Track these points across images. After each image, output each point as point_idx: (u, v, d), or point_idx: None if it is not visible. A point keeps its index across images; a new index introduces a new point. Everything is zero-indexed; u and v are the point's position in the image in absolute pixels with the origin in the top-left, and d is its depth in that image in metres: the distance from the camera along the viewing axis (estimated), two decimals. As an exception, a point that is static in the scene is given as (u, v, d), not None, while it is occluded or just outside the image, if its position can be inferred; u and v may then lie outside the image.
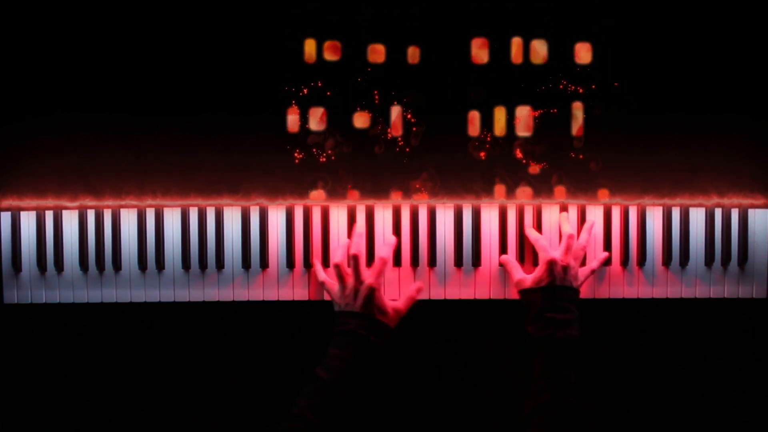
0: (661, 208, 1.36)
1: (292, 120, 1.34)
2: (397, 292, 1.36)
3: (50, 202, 1.35)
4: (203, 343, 1.41)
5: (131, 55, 1.34)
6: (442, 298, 1.36)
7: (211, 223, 1.35)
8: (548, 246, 1.32)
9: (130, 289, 1.35)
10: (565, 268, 1.29)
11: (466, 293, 1.36)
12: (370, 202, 1.35)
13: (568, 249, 1.30)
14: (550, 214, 1.36)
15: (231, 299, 1.36)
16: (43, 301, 1.35)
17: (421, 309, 1.33)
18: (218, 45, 1.34)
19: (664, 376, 1.43)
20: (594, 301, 1.37)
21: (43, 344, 1.40)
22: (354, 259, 1.28)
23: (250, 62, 1.34)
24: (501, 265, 1.36)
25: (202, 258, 1.35)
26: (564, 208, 1.36)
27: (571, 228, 1.34)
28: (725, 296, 1.37)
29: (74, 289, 1.35)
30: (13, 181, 1.34)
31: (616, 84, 1.35)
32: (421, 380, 1.43)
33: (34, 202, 1.35)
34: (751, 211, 1.37)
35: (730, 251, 1.36)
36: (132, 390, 1.42)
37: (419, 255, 1.35)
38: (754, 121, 1.36)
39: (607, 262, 1.36)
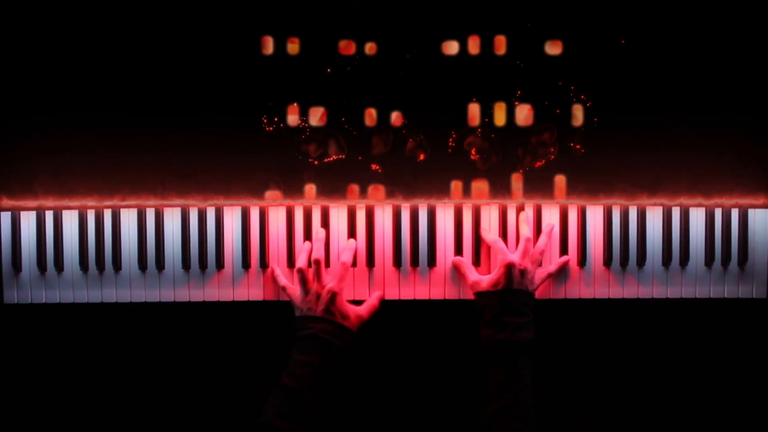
0: (661, 208, 1.36)
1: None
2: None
3: (50, 202, 1.35)
4: (203, 343, 1.41)
5: (129, 56, 1.34)
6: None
7: (211, 223, 1.35)
8: (506, 249, 1.31)
9: (130, 289, 1.35)
10: (523, 272, 1.28)
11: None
12: (333, 202, 1.35)
13: (525, 252, 1.30)
14: (550, 214, 1.36)
15: (231, 299, 1.36)
16: (43, 301, 1.35)
17: (388, 310, 1.34)
18: (213, 45, 1.34)
19: (664, 376, 1.43)
20: (594, 301, 1.37)
21: (43, 344, 1.40)
22: (315, 264, 1.29)
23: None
24: (454, 266, 1.35)
25: (202, 258, 1.35)
26: (521, 208, 1.35)
27: (529, 231, 1.33)
28: (725, 296, 1.37)
29: (74, 289, 1.35)
30: (14, 181, 1.34)
31: (616, 83, 1.35)
32: (402, 381, 1.43)
33: (34, 202, 1.35)
34: (751, 211, 1.37)
35: (730, 251, 1.36)
36: (132, 390, 1.42)
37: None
38: (754, 121, 1.36)
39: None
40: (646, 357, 1.43)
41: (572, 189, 1.36)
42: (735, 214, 1.36)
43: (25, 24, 1.33)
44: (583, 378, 1.43)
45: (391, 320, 1.40)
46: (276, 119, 1.35)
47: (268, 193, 1.35)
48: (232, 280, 1.36)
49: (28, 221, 1.35)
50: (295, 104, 1.34)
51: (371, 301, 1.33)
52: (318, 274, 1.29)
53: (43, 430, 1.42)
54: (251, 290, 1.36)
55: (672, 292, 1.37)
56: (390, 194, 1.35)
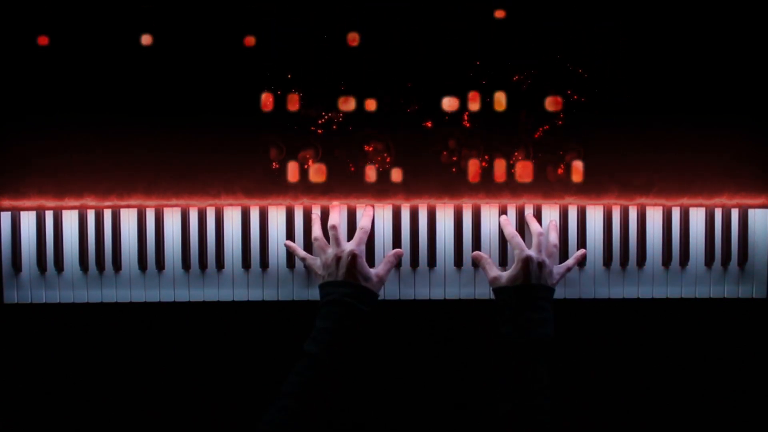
0: (661, 208, 1.36)
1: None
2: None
3: (50, 202, 1.35)
4: (203, 343, 1.41)
5: (129, 56, 1.34)
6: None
7: (211, 223, 1.35)
8: (524, 244, 1.31)
9: (130, 289, 1.35)
10: (541, 266, 1.28)
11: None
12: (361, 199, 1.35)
13: (540, 246, 1.30)
14: (550, 214, 1.36)
15: (231, 299, 1.36)
16: (43, 301, 1.35)
17: (388, 310, 1.35)
18: (213, 46, 1.34)
19: (664, 377, 1.43)
20: (594, 301, 1.37)
21: (43, 344, 1.40)
22: (332, 230, 1.30)
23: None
24: (474, 261, 1.35)
25: (202, 258, 1.35)
26: (504, 209, 1.35)
27: (538, 226, 1.33)
28: (725, 296, 1.37)
29: (74, 289, 1.35)
30: (13, 181, 1.34)
31: (615, 83, 1.35)
32: (402, 381, 1.43)
33: (34, 202, 1.35)
34: (751, 211, 1.36)
35: (730, 251, 1.36)
36: (132, 390, 1.42)
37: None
38: (754, 121, 1.36)
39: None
40: (646, 357, 1.43)
41: (572, 189, 1.36)
42: (735, 214, 1.36)
43: (25, 24, 1.33)
44: (583, 378, 1.43)
45: (391, 320, 1.40)
46: (276, 119, 1.35)
47: (268, 195, 1.35)
48: (232, 280, 1.36)
49: (28, 221, 1.35)
50: (296, 104, 1.34)
51: (388, 258, 1.32)
52: (336, 239, 1.29)
53: (43, 430, 1.42)
54: (251, 290, 1.36)
55: (672, 292, 1.37)
56: (390, 194, 1.35)
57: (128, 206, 1.35)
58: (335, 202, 1.34)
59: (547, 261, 1.29)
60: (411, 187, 1.35)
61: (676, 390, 1.43)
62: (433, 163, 1.35)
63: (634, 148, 1.35)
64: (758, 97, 1.35)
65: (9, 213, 1.34)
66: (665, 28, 1.35)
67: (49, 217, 1.35)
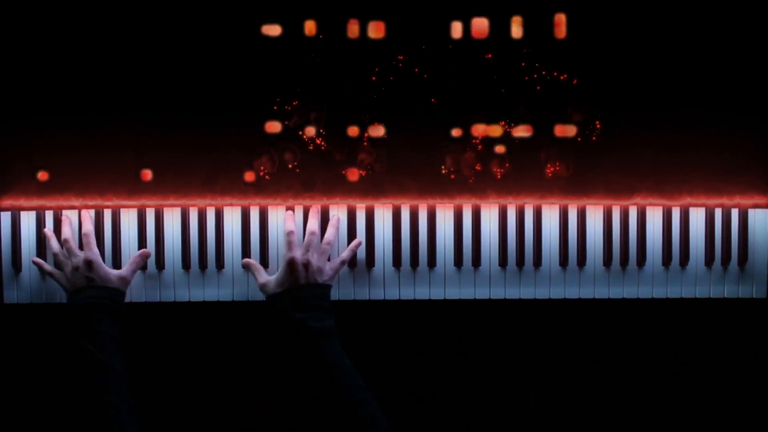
0: (661, 208, 1.36)
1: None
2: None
3: (50, 202, 1.35)
4: (203, 343, 1.41)
5: (129, 56, 1.34)
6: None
7: (211, 223, 1.35)
8: (295, 244, 1.29)
9: (130, 289, 1.35)
10: (306, 265, 1.26)
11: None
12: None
13: (309, 245, 1.29)
14: (550, 214, 1.36)
15: (231, 299, 1.36)
16: (43, 301, 1.35)
17: (388, 310, 1.36)
18: (213, 45, 1.34)
19: (664, 376, 1.43)
20: (593, 301, 1.37)
21: (43, 344, 1.40)
22: (65, 243, 1.29)
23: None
24: (244, 267, 1.35)
25: (202, 258, 1.35)
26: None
27: (316, 225, 1.32)
28: (725, 296, 1.37)
29: (74, 289, 1.35)
30: (13, 181, 1.34)
31: (615, 83, 1.35)
32: (402, 381, 1.43)
33: (34, 202, 1.35)
34: (751, 211, 1.36)
35: (730, 251, 1.36)
36: (132, 390, 1.41)
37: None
38: (755, 121, 1.36)
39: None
40: (646, 357, 1.43)
41: (573, 189, 1.36)
42: (735, 214, 1.36)
43: (26, 24, 1.33)
44: (583, 378, 1.43)
45: (391, 320, 1.40)
46: (276, 118, 1.35)
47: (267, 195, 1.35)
48: (232, 280, 1.36)
49: (28, 221, 1.35)
50: (296, 103, 1.34)
51: (134, 258, 1.32)
52: (69, 251, 1.29)
53: (43, 430, 1.42)
54: (251, 290, 1.36)
55: (672, 292, 1.37)
56: (389, 194, 1.35)
57: (128, 206, 1.35)
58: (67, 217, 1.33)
59: (314, 259, 1.27)
60: (415, 188, 1.36)
61: (676, 390, 1.43)
62: (433, 163, 1.35)
63: (633, 148, 1.35)
64: (759, 97, 1.35)
65: (9, 213, 1.34)
66: (665, 27, 1.34)
67: (49, 217, 1.35)
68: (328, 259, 1.32)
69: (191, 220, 1.35)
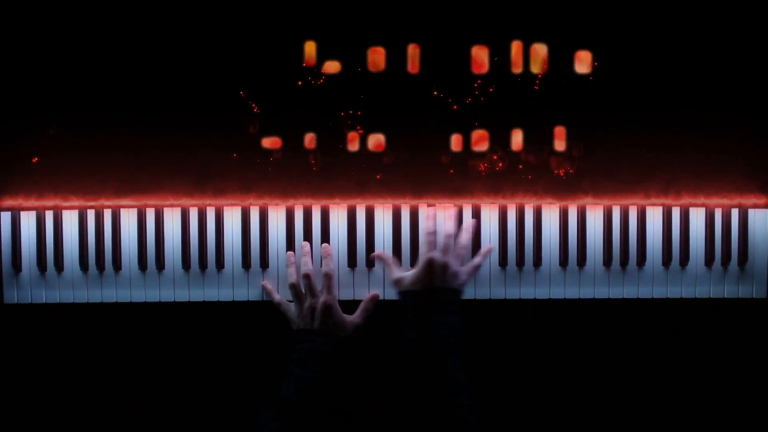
0: (661, 208, 1.36)
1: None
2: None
3: (50, 202, 1.35)
4: (203, 343, 1.41)
5: (129, 56, 1.34)
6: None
7: (211, 223, 1.35)
8: (434, 244, 1.28)
9: (130, 289, 1.35)
10: (444, 268, 1.26)
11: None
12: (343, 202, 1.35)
13: (446, 248, 1.28)
14: (550, 214, 1.36)
15: (231, 299, 1.36)
16: (43, 301, 1.35)
17: (388, 310, 1.35)
18: (212, 45, 1.34)
19: (664, 376, 1.43)
20: (594, 301, 1.37)
21: (43, 344, 1.40)
22: (306, 278, 1.29)
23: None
24: (374, 260, 1.34)
25: (202, 258, 1.35)
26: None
27: (452, 227, 1.31)
28: (725, 296, 1.37)
29: (74, 289, 1.35)
30: (13, 181, 1.34)
31: (616, 83, 1.35)
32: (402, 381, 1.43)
33: (34, 202, 1.35)
34: (751, 211, 1.36)
35: (730, 251, 1.36)
36: (132, 390, 1.42)
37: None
38: (754, 121, 1.36)
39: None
40: (646, 357, 1.43)
41: (573, 189, 1.36)
42: (735, 214, 1.36)
43: (26, 24, 1.33)
44: (583, 378, 1.43)
45: (390, 320, 1.40)
46: (276, 119, 1.35)
47: (267, 195, 1.35)
48: (232, 280, 1.36)
49: (28, 221, 1.35)
50: (295, 103, 1.35)
51: (365, 305, 1.32)
52: (310, 288, 1.29)
53: (43, 430, 1.42)
54: (251, 290, 1.36)
55: (672, 292, 1.37)
56: (390, 194, 1.35)
57: (128, 206, 1.35)
58: (306, 247, 1.33)
59: (452, 263, 1.27)
60: (415, 188, 1.36)
61: (676, 390, 1.43)
62: (433, 163, 1.35)
63: (634, 148, 1.35)
64: (759, 97, 1.35)
65: (9, 213, 1.34)
66: (666, 27, 1.35)
67: (49, 217, 1.35)
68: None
69: (191, 220, 1.35)
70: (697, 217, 1.36)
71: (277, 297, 1.33)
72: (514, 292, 1.36)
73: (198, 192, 1.35)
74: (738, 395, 1.43)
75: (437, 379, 1.19)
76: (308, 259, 1.32)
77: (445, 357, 1.20)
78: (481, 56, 1.34)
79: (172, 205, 1.35)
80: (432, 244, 1.28)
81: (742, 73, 1.35)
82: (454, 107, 1.34)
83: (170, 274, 1.36)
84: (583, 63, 1.35)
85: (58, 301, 1.35)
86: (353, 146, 1.35)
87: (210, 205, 1.35)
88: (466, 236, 1.31)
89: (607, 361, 1.43)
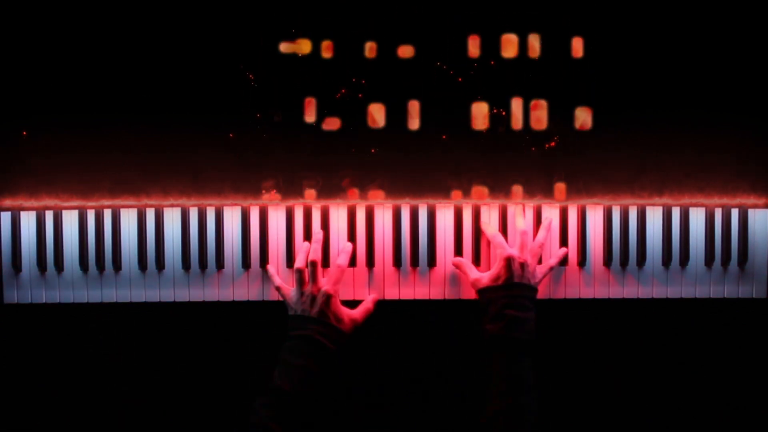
0: (661, 208, 1.36)
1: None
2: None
3: (50, 202, 1.35)
4: (203, 343, 1.41)
5: (129, 57, 1.34)
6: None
7: (211, 223, 1.35)
8: (505, 243, 1.31)
9: (130, 289, 1.35)
10: (523, 265, 1.27)
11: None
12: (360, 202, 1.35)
13: (524, 246, 1.30)
14: (550, 214, 1.36)
15: (231, 299, 1.36)
16: (43, 301, 1.35)
17: (388, 310, 1.35)
18: (212, 45, 1.34)
19: (664, 376, 1.43)
20: (594, 301, 1.37)
21: (43, 344, 1.40)
22: (312, 265, 1.29)
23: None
24: (455, 266, 1.35)
25: (202, 258, 1.35)
26: (504, 209, 1.35)
27: (525, 224, 1.33)
28: (725, 296, 1.37)
29: (74, 289, 1.35)
30: (13, 181, 1.35)
31: (616, 83, 1.35)
32: (402, 381, 1.43)
33: (34, 202, 1.35)
34: (751, 211, 1.36)
35: (730, 251, 1.36)
36: (132, 390, 1.42)
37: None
38: (754, 121, 1.36)
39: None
40: (646, 357, 1.43)
41: (572, 189, 1.36)
42: (735, 214, 1.36)
43: (26, 24, 1.33)
44: (583, 378, 1.43)
45: (391, 320, 1.40)
46: (276, 119, 1.35)
47: (267, 194, 1.35)
48: (232, 280, 1.36)
49: (28, 221, 1.35)
50: (298, 102, 1.35)
51: (366, 304, 1.33)
52: (314, 276, 1.29)
53: (43, 430, 1.42)
54: (251, 290, 1.36)
55: (672, 292, 1.37)
56: (390, 194, 1.35)
57: (128, 206, 1.35)
58: (318, 234, 1.33)
59: (530, 260, 1.29)
60: (412, 188, 1.36)
61: (676, 390, 1.43)
62: (434, 162, 1.35)
63: (634, 148, 1.35)
64: (759, 97, 1.35)
65: (9, 213, 1.34)
66: (666, 27, 1.35)
67: (49, 217, 1.35)
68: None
69: (191, 220, 1.35)
70: (697, 217, 1.36)
71: (277, 280, 1.33)
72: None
73: (195, 193, 1.35)
74: (738, 395, 1.43)
75: (504, 375, 1.20)
76: (319, 246, 1.32)
77: (516, 353, 1.21)
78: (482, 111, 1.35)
79: (172, 205, 1.35)
80: (521, 244, 1.29)
81: (743, 73, 1.35)
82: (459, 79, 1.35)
83: (170, 274, 1.36)
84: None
85: (58, 301, 1.35)
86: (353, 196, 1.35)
87: (210, 205, 1.35)
88: (543, 233, 1.33)
89: (608, 361, 1.43)
